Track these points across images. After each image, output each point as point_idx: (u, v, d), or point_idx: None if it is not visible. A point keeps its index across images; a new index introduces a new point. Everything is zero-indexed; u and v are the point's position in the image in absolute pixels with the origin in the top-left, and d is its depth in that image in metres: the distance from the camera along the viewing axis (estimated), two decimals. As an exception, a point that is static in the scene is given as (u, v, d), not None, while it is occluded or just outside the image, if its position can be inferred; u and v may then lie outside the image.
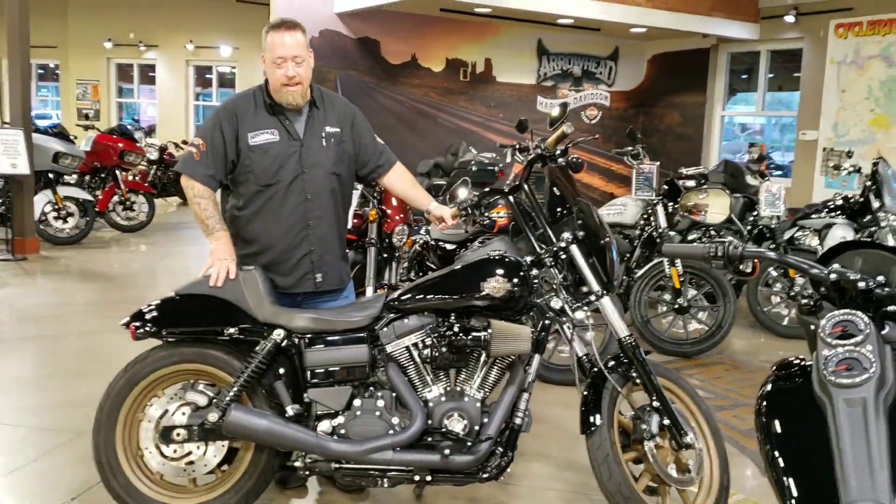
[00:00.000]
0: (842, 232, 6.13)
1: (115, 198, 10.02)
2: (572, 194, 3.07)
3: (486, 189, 3.22)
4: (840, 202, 6.39)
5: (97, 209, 9.53)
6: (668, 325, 5.62)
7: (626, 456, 2.89)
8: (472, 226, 5.08)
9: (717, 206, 5.86)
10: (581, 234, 2.97)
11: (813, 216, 6.41)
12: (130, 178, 10.94)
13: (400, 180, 3.35)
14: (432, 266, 5.29)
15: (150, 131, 15.40)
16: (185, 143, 14.06)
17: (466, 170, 8.02)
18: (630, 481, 2.79)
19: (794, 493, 1.50)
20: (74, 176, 9.65)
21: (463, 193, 3.11)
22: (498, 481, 2.90)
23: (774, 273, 6.18)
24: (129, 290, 7.15)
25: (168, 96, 17.13)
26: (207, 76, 17.86)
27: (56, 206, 8.91)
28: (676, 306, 5.51)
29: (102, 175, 10.21)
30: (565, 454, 3.79)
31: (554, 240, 2.98)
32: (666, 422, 2.87)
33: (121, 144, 10.09)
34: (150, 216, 10.37)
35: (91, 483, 3.25)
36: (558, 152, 3.01)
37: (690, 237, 6.24)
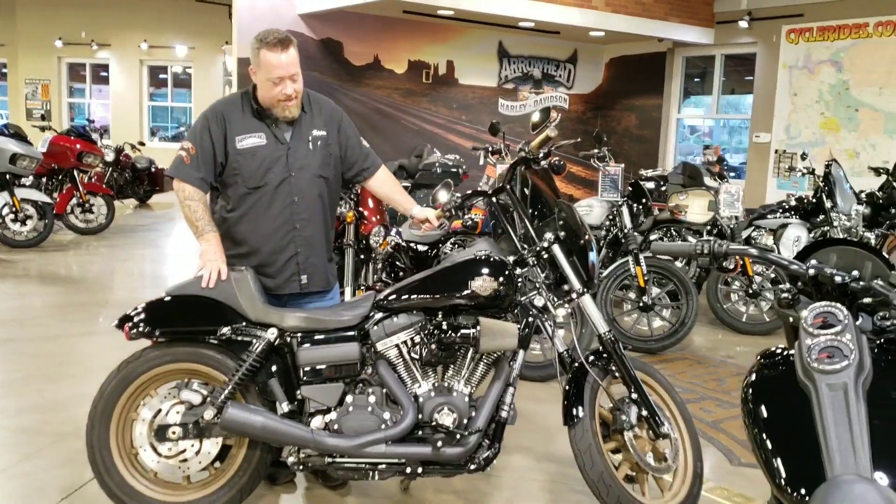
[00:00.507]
0: (796, 232, 6.38)
1: (74, 200, 9.86)
2: (553, 196, 3.18)
3: (470, 191, 3.32)
4: (794, 203, 6.65)
5: (55, 212, 9.36)
6: (633, 323, 5.78)
7: (606, 446, 3.01)
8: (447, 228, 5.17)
9: (697, 207, 6.05)
10: (562, 234, 3.08)
11: (768, 216, 6.66)
12: (87, 179, 10.77)
13: (384, 184, 3.40)
14: (403, 267, 5.36)
15: (104, 132, 15.16)
16: (141, 144, 13.88)
17: (431, 172, 8.13)
18: (612, 470, 2.91)
19: (783, 473, 1.61)
20: (31, 178, 9.48)
21: (444, 196, 3.20)
22: (482, 473, 3.00)
23: (733, 271, 6.39)
24: (91, 293, 7.06)
25: (121, 97, 16.86)
26: (161, 76, 17.63)
27: (14, 209, 8.75)
28: (641, 304, 5.67)
29: (59, 177, 10.05)
30: (542, 446, 3.91)
31: (536, 240, 3.09)
32: (644, 413, 3.00)
33: (79, 146, 9.92)
34: (110, 219, 10.22)
35: (79, 484, 3.27)
36: (541, 155, 3.12)
37: (652, 237, 6.42)
